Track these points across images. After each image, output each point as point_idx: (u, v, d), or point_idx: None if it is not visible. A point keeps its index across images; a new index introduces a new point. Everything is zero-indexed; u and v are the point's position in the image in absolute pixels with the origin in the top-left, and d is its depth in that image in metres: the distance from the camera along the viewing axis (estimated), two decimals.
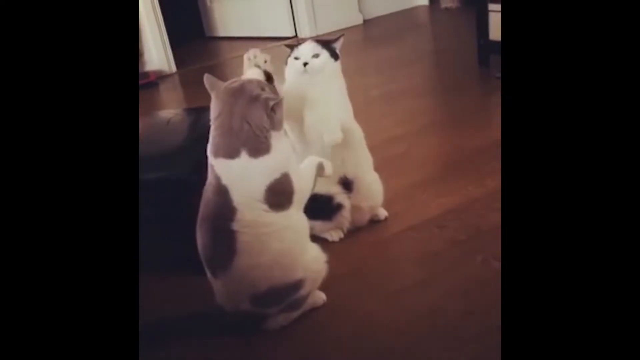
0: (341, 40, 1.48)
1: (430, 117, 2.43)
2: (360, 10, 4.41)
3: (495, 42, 2.66)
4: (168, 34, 3.80)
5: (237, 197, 1.11)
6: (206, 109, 1.76)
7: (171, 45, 3.82)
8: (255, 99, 1.10)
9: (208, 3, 4.64)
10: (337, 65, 1.48)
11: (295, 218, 1.18)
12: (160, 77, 3.72)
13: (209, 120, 1.63)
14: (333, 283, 1.29)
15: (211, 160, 1.14)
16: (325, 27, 4.19)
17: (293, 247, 1.16)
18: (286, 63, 1.48)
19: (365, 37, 4.18)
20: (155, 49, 3.75)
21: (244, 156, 1.10)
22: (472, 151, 1.94)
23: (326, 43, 1.47)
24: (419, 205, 1.65)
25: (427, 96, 2.74)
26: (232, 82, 1.15)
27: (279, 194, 1.13)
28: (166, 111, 2.13)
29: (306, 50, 1.45)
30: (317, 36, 4.15)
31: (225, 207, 1.11)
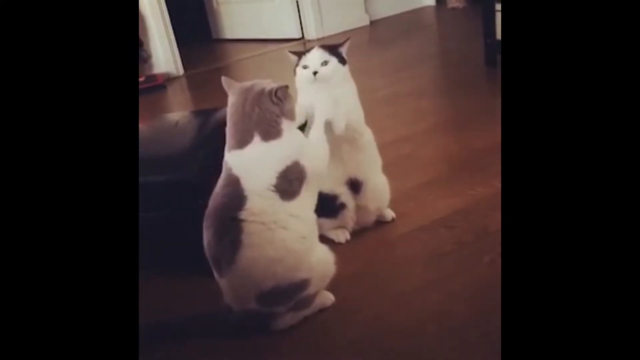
0: (347, 43, 1.47)
1: (436, 117, 2.42)
2: (367, 11, 4.41)
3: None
4: (175, 37, 3.82)
5: (249, 184, 1.14)
6: (213, 111, 1.78)
7: (178, 48, 3.84)
8: (262, 91, 1.17)
9: (215, 5, 4.66)
10: (345, 70, 1.47)
11: (304, 212, 1.19)
12: (168, 79, 3.74)
13: (216, 121, 1.64)
14: (340, 284, 1.29)
15: (225, 156, 1.19)
16: (332, 29, 4.19)
17: (298, 244, 1.16)
18: (294, 73, 1.47)
19: (372, 38, 4.18)
20: (162, 52, 3.76)
21: (256, 140, 1.15)
22: (479, 151, 1.93)
23: (333, 48, 1.46)
24: (426, 206, 1.65)
25: (434, 97, 2.74)
26: (246, 82, 1.22)
27: (290, 181, 1.16)
28: (174, 113, 2.15)
29: (314, 58, 1.43)
30: (324, 38, 4.16)
31: (234, 197, 1.14)
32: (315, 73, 1.42)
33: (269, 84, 1.18)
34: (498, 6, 2.65)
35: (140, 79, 3.47)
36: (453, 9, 4.42)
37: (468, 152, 1.96)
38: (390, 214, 1.59)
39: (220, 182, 1.19)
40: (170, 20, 3.79)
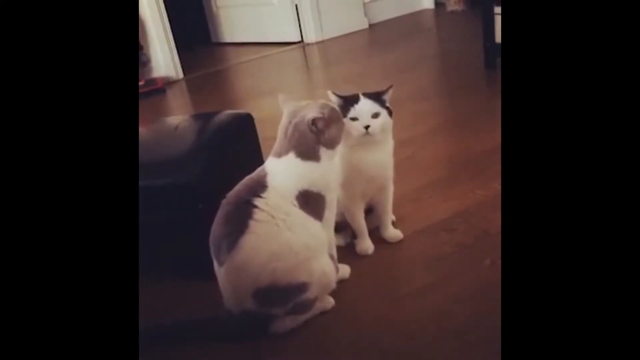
0: (390, 91, 1.38)
1: (436, 120, 2.43)
2: (366, 15, 4.41)
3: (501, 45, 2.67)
4: (175, 41, 3.82)
5: (274, 180, 1.20)
6: (213, 115, 1.78)
7: (178, 52, 3.84)
8: (302, 119, 1.21)
9: (214, 9, 4.67)
10: (391, 123, 1.38)
11: (314, 227, 1.21)
12: (168, 83, 3.74)
13: (216, 125, 1.64)
14: (340, 286, 1.29)
15: (267, 160, 1.26)
16: (331, 32, 4.20)
17: (302, 250, 1.17)
18: None
19: (371, 41, 4.18)
20: (162, 56, 3.77)
21: (290, 156, 1.21)
22: (479, 154, 1.94)
23: (378, 97, 1.36)
24: (427, 208, 1.65)
25: (434, 99, 2.74)
26: (300, 103, 1.26)
27: (309, 204, 1.20)
28: (174, 117, 2.14)
29: (365, 109, 1.32)
30: (323, 41, 4.16)
31: (257, 184, 1.21)
32: (367, 127, 1.32)
33: (312, 111, 1.20)
34: (497, 9, 2.65)
35: (140, 83, 3.48)
36: (452, 12, 4.43)
37: (468, 154, 1.97)
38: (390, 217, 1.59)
39: (251, 174, 1.25)
40: (170, 24, 3.79)
